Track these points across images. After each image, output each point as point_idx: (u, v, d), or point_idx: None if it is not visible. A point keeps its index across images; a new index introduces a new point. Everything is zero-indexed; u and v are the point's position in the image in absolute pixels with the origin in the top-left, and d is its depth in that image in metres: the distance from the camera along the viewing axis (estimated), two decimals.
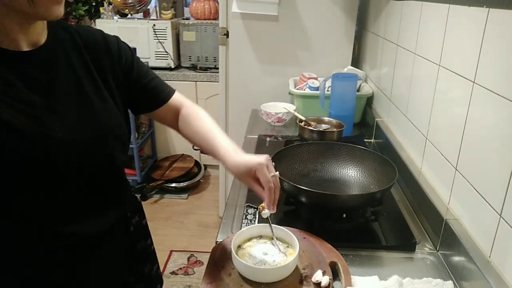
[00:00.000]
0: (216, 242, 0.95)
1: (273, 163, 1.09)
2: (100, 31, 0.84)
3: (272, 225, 0.88)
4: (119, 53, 0.83)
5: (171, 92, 0.94)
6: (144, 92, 0.89)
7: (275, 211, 0.83)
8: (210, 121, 0.92)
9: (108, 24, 2.99)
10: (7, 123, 0.61)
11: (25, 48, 0.68)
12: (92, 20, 3.38)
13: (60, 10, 0.66)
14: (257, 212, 1.07)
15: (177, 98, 0.94)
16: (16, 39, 0.66)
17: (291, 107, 1.80)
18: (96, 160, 0.75)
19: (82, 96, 0.74)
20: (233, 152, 0.83)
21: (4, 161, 0.63)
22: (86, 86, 0.75)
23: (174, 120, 0.95)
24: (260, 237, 0.90)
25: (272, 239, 0.88)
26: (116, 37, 0.86)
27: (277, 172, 0.83)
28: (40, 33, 0.70)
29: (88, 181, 0.75)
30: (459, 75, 0.95)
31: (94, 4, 3.23)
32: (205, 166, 3.26)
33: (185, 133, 0.94)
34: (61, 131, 0.68)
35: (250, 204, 1.10)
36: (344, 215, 1.03)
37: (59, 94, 0.70)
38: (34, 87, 0.67)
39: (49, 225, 0.72)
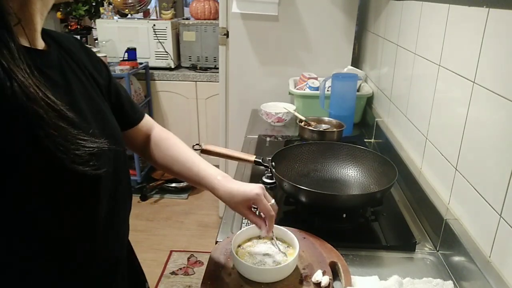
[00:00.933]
0: (216, 242, 0.95)
1: (273, 163, 1.09)
2: (75, 37, 0.77)
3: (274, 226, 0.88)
4: (99, 64, 0.78)
5: (142, 114, 0.88)
6: (115, 111, 0.79)
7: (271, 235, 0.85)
8: (188, 147, 0.89)
9: (108, 24, 2.99)
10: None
11: (39, 46, 0.61)
12: (92, 20, 3.38)
13: None
14: (257, 212, 1.07)
15: (147, 121, 0.89)
16: (36, 37, 0.60)
17: (291, 107, 1.80)
18: (118, 169, 0.69)
19: (91, 101, 0.68)
20: (223, 179, 0.82)
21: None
22: (91, 91, 0.70)
23: (143, 144, 0.89)
24: (260, 237, 0.90)
25: (272, 239, 0.88)
26: (89, 47, 0.80)
27: (273, 200, 0.82)
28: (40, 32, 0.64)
29: (112, 188, 0.68)
30: (459, 75, 0.95)
31: (94, 4, 3.23)
32: None
33: (159, 159, 0.88)
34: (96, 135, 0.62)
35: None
36: (344, 215, 1.03)
37: (77, 97, 0.64)
38: (56, 89, 0.59)
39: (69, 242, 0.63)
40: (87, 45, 0.79)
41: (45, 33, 0.66)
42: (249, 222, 1.03)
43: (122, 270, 0.78)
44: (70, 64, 0.68)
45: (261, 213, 0.82)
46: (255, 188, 0.80)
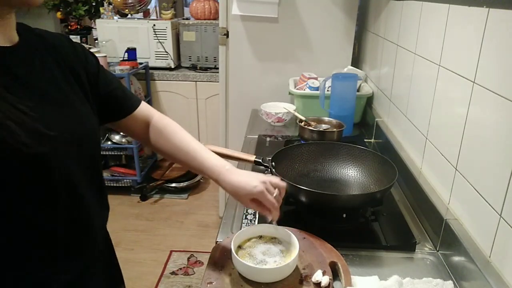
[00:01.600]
0: (216, 242, 0.95)
1: (273, 163, 1.09)
2: (62, 34, 0.80)
3: (270, 225, 0.89)
4: (86, 58, 0.79)
5: (137, 101, 0.89)
6: (109, 101, 0.83)
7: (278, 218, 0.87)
8: (189, 135, 0.90)
9: (108, 24, 2.99)
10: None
11: (2, 43, 0.63)
12: (92, 20, 3.38)
13: None
14: (257, 212, 1.07)
15: (145, 108, 0.90)
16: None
17: (291, 107, 1.80)
18: (83, 162, 0.71)
19: (62, 98, 0.70)
20: (227, 172, 0.84)
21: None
22: (64, 88, 0.71)
23: (143, 132, 0.90)
24: (260, 237, 0.90)
25: (273, 239, 0.88)
26: (78, 43, 0.81)
27: (276, 190, 0.84)
28: (13, 29, 0.66)
29: (79, 184, 0.70)
30: (459, 75, 0.95)
31: (94, 4, 3.23)
32: None
33: (161, 147, 0.90)
34: (48, 129, 0.64)
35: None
36: (344, 215, 1.03)
37: (41, 94, 0.66)
38: (16, 85, 0.63)
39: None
40: (75, 42, 0.80)
41: (26, 29, 0.70)
42: (249, 222, 1.04)
43: (95, 270, 0.79)
44: (47, 61, 0.70)
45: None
46: (258, 186, 0.81)
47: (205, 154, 0.86)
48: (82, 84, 0.75)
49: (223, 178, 0.83)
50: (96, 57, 0.83)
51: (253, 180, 0.82)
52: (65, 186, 0.67)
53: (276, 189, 0.84)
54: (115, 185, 2.99)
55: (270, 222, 0.87)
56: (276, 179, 0.85)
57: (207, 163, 0.85)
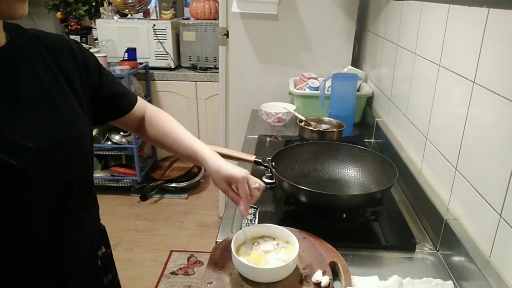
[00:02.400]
0: (216, 242, 0.95)
1: (273, 163, 1.09)
2: (62, 36, 0.79)
3: (270, 225, 0.89)
4: (84, 59, 0.79)
5: (135, 98, 0.92)
6: (111, 100, 0.86)
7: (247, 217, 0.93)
8: (179, 124, 0.93)
9: (108, 24, 2.99)
10: None
11: None
12: (92, 20, 3.38)
13: (24, 9, 0.61)
14: (257, 212, 1.07)
15: (141, 103, 0.93)
16: None
17: (291, 107, 1.80)
18: (65, 171, 0.71)
19: (48, 102, 0.69)
20: (214, 155, 0.87)
21: None
22: (52, 92, 0.69)
23: (138, 124, 0.94)
24: (260, 237, 0.90)
25: (273, 239, 0.88)
26: (78, 42, 0.81)
27: (257, 184, 0.86)
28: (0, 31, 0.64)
29: (60, 195, 0.70)
30: (459, 75, 0.95)
31: (94, 4, 3.23)
32: None
33: (152, 135, 0.93)
34: (26, 139, 0.63)
35: (250, 205, 1.10)
36: (344, 215, 1.03)
37: (23, 100, 0.65)
38: None
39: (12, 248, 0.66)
40: (75, 44, 0.79)
41: (20, 32, 0.69)
42: (249, 222, 1.03)
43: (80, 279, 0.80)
44: (36, 65, 0.69)
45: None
46: (242, 171, 0.84)
47: (192, 139, 0.90)
48: (74, 88, 0.74)
49: (209, 159, 0.86)
50: (96, 59, 0.83)
51: (238, 168, 0.86)
52: (42, 201, 0.66)
53: (257, 184, 0.86)
54: (115, 185, 2.99)
55: (259, 237, 0.89)
56: (258, 180, 0.87)
57: (194, 146, 0.88)
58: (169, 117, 0.95)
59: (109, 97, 0.85)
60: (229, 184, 0.85)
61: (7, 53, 0.65)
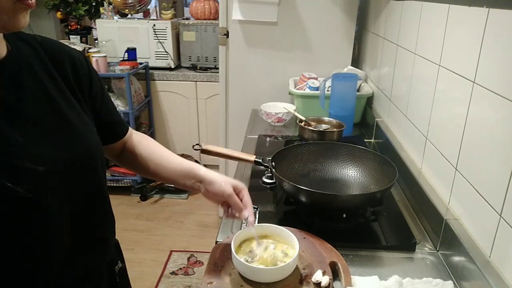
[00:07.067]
0: (216, 242, 0.95)
1: (273, 163, 1.09)
2: (68, 46, 0.73)
3: (266, 224, 0.89)
4: (91, 77, 0.74)
5: (127, 126, 0.88)
6: (106, 126, 0.80)
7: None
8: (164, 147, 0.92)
9: (108, 24, 2.99)
10: None
11: None
12: (92, 20, 3.38)
13: (27, 19, 0.56)
14: (257, 212, 1.07)
15: (130, 130, 0.89)
16: None
17: (291, 107, 1.80)
18: (82, 189, 0.67)
19: (59, 119, 0.64)
20: (208, 170, 0.86)
21: None
22: (63, 107, 0.64)
23: (120, 151, 0.89)
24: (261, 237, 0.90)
25: (273, 239, 0.88)
26: (86, 58, 0.76)
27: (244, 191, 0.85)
28: (1, 42, 0.60)
29: (75, 215, 0.65)
30: (459, 75, 0.95)
31: (94, 4, 3.23)
32: (205, 166, 3.26)
33: (135, 158, 0.87)
34: (35, 163, 0.58)
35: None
36: (344, 215, 1.03)
37: (31, 118, 0.60)
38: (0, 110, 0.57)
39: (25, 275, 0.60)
40: (86, 61, 0.75)
41: (21, 40, 0.64)
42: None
43: None
44: (41, 77, 0.64)
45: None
46: (228, 189, 0.82)
47: (182, 159, 0.88)
48: (79, 100, 0.70)
49: (208, 170, 0.86)
50: (101, 81, 0.79)
51: (226, 186, 0.83)
52: (57, 229, 0.62)
53: (244, 190, 0.85)
54: (115, 185, 2.99)
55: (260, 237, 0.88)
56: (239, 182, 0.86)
57: (189, 161, 0.88)
58: (155, 141, 0.92)
59: (106, 122, 0.80)
60: (219, 202, 0.85)
61: (9, 65, 0.60)
